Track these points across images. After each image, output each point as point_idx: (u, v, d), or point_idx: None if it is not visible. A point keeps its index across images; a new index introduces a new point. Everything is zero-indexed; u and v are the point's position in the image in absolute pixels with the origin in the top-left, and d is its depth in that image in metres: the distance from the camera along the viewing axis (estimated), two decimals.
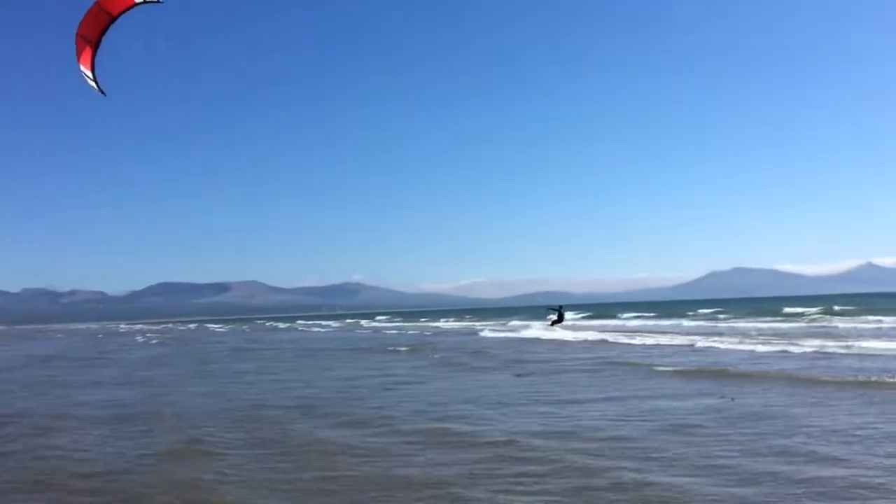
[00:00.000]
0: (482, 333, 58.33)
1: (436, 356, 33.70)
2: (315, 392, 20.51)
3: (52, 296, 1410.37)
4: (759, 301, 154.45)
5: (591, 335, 45.61)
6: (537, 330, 58.38)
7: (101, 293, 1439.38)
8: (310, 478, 10.39)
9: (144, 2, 12.72)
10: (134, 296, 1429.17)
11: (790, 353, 28.14)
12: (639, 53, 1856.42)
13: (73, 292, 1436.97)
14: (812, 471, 9.96)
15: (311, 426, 14.65)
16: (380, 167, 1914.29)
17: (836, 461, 10.46)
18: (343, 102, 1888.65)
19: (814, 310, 72.99)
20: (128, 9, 12.67)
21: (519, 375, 24.04)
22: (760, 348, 30.42)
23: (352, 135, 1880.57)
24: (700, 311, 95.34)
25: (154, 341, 67.42)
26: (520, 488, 9.58)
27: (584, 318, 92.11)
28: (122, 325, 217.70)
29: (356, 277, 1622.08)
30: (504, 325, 72.82)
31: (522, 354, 33.12)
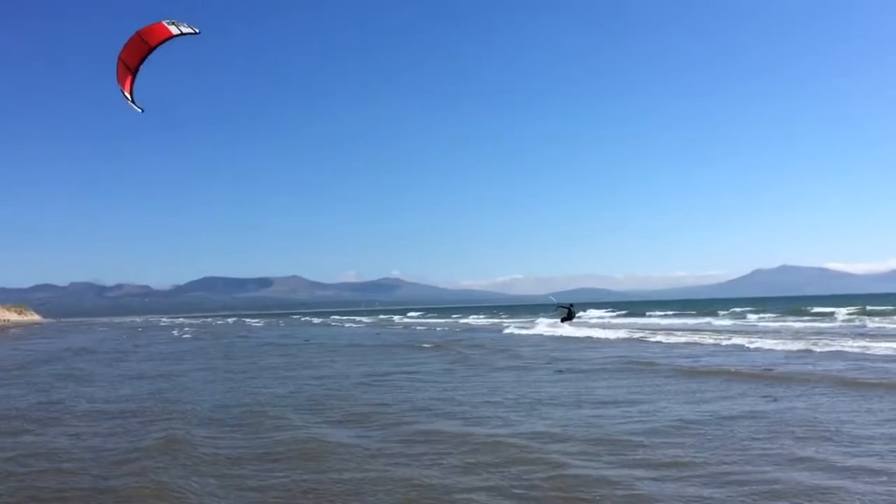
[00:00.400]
0: (507, 330, 57.91)
1: (461, 353, 33.37)
2: (329, 391, 20.13)
3: (99, 289, 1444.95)
4: (800, 300, 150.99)
5: (622, 333, 44.90)
6: (544, 326, 59.06)
7: (147, 287, 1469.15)
8: (300, 481, 9.83)
9: (181, 34, 14.20)
10: (178, 290, 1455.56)
11: (813, 352, 27.37)
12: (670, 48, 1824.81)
13: (119, 286, 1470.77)
14: (859, 486, 9.10)
15: (316, 424, 14.15)
16: (418, 165, 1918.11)
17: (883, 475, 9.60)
18: (381, 98, 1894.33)
19: (846, 309, 70.96)
20: (165, 40, 14.16)
21: (560, 371, 23.51)
22: (786, 347, 29.55)
23: (389, 132, 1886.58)
24: (733, 309, 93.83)
25: (187, 335, 68.14)
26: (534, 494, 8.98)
27: (617, 315, 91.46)
28: (164, 319, 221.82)
29: (395, 273, 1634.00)
30: (531, 321, 72.28)
31: (550, 352, 32.52)
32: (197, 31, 14.17)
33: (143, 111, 14.69)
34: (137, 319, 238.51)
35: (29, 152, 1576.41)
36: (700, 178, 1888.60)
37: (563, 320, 60.22)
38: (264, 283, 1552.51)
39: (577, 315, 62.68)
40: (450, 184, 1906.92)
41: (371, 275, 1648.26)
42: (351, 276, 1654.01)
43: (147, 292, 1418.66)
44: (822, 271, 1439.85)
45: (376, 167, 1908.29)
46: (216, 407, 16.82)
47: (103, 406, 17.47)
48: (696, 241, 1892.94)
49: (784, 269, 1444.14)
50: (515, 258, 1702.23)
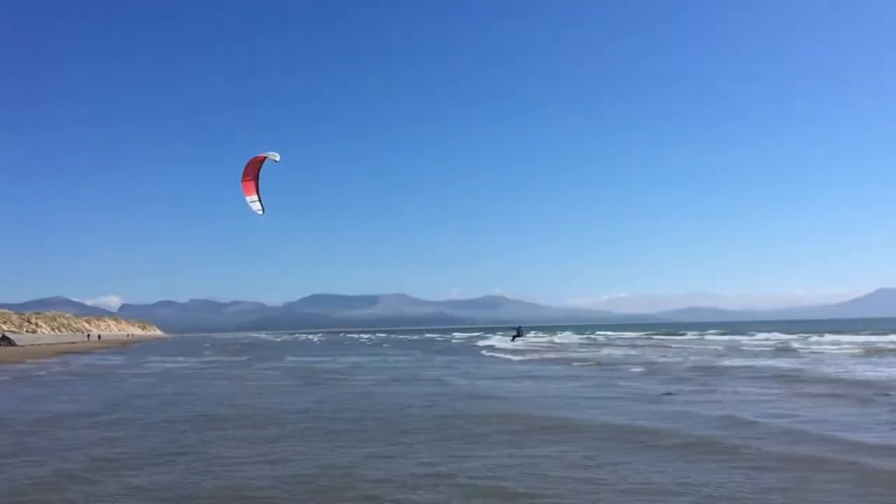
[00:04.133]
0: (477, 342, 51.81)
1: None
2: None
3: (216, 306, 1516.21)
4: None
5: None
6: (494, 342, 73.62)
7: (260, 304, 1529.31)
8: None
9: (266, 158, 21.49)
10: (289, 307, 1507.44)
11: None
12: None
13: (234, 303, 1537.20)
14: None
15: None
16: (524, 178, 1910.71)
17: None
18: (482, 112, 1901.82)
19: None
20: (262, 163, 21.67)
21: (669, 394, 21.21)
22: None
23: (494, 146, 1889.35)
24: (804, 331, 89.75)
25: (208, 354, 65.47)
26: None
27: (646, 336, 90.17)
28: (247, 335, 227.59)
29: (499, 291, 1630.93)
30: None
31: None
32: (277, 158, 21.28)
33: (263, 212, 20.45)
34: (228, 336, 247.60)
35: (145, 176, 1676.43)
36: (821, 188, 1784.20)
37: (514, 338, 75.73)
38: (371, 300, 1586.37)
39: (525, 335, 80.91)
40: (556, 199, 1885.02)
41: (475, 293, 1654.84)
42: (455, 294, 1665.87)
43: (260, 309, 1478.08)
44: None
45: (482, 183, 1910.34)
46: None
47: None
48: (818, 256, 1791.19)
49: None
50: (622, 275, 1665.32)
